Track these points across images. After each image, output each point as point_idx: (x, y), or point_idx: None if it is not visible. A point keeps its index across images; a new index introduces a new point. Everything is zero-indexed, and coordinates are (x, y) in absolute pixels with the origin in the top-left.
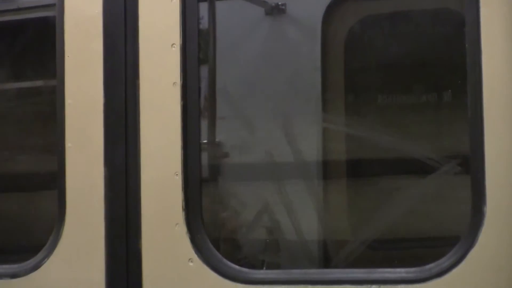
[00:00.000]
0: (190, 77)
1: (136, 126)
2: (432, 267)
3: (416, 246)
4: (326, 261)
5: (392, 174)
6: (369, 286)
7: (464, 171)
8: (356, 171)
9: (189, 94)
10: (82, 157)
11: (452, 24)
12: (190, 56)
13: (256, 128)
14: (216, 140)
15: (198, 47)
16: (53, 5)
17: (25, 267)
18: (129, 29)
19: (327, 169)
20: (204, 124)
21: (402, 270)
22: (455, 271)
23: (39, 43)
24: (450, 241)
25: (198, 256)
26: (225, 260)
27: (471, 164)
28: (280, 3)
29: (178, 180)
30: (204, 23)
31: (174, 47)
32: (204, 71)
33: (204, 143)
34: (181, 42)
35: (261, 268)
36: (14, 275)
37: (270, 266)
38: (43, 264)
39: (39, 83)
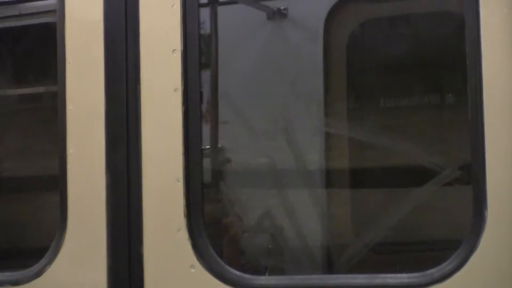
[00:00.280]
0: (191, 82)
1: (138, 131)
2: (434, 271)
3: (419, 250)
4: (329, 266)
5: (392, 177)
6: None
7: (465, 175)
8: (358, 174)
9: (190, 100)
10: (84, 162)
11: (454, 26)
12: (191, 61)
13: (258, 132)
14: (218, 145)
15: (199, 52)
16: (54, 10)
17: (27, 274)
18: (130, 35)
19: (329, 174)
20: (206, 130)
21: (404, 275)
22: (457, 275)
23: (40, 48)
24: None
25: (200, 262)
26: (227, 266)
27: (472, 168)
28: (281, 7)
29: (180, 186)
30: (206, 28)
31: (175, 52)
32: (206, 76)
33: (206, 148)
34: (182, 48)
35: (264, 274)
36: (16, 283)
37: (273, 272)
38: (45, 270)
39: (40, 89)
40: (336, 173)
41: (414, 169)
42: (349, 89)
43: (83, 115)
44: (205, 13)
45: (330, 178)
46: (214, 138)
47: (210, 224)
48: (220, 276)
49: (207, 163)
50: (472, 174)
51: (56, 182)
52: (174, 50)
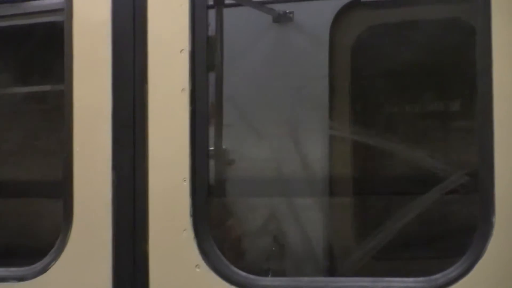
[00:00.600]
0: (198, 83)
1: (144, 131)
2: (439, 277)
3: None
4: (333, 270)
5: (397, 183)
6: None
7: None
8: (362, 179)
9: (198, 100)
10: (90, 161)
11: (461, 33)
12: (199, 62)
13: (264, 135)
14: (224, 147)
15: (207, 53)
16: (62, 9)
17: (33, 270)
18: (138, 34)
19: (334, 177)
20: (213, 131)
21: (409, 279)
22: (462, 281)
23: (48, 47)
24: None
25: (205, 262)
26: (232, 267)
27: (480, 174)
28: (288, 11)
29: (186, 186)
30: (213, 30)
31: (182, 52)
32: (210, 77)
33: (213, 149)
34: (190, 48)
35: (267, 275)
36: (21, 278)
37: (276, 273)
38: (50, 267)
39: (46, 87)
40: (340, 177)
41: (420, 175)
42: (354, 93)
43: (89, 114)
44: (212, 15)
45: (334, 182)
46: (220, 139)
47: (215, 225)
48: (225, 276)
49: (213, 164)
50: (480, 180)
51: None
52: (182, 50)
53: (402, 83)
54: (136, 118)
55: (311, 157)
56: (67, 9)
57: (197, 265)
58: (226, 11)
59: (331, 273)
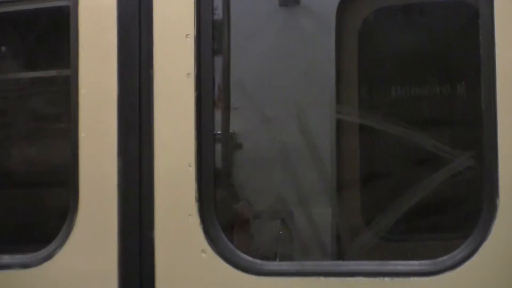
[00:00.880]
0: (204, 67)
1: (150, 116)
2: (445, 259)
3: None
4: (340, 253)
5: (404, 165)
6: (381, 278)
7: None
8: (367, 162)
9: (203, 85)
10: (96, 147)
11: (467, 16)
12: (204, 46)
13: (270, 119)
14: (231, 130)
15: (212, 38)
16: None
17: (38, 257)
18: (143, 20)
19: (340, 161)
20: (218, 115)
21: (415, 262)
22: (468, 263)
23: (53, 33)
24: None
25: (211, 247)
26: (238, 252)
27: (484, 156)
28: None
29: (191, 171)
30: (219, 14)
31: (188, 37)
32: (218, 62)
33: (218, 133)
34: (195, 33)
35: (274, 259)
36: (26, 265)
37: (284, 257)
38: (55, 254)
39: (52, 73)
40: (347, 160)
41: (427, 157)
42: (361, 76)
43: (95, 99)
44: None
45: (341, 166)
46: (226, 124)
47: (221, 209)
48: (231, 261)
49: (219, 148)
50: (484, 162)
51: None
52: (187, 35)
53: (410, 65)
54: (142, 104)
55: (318, 140)
56: None
57: (203, 250)
58: None
59: (340, 255)
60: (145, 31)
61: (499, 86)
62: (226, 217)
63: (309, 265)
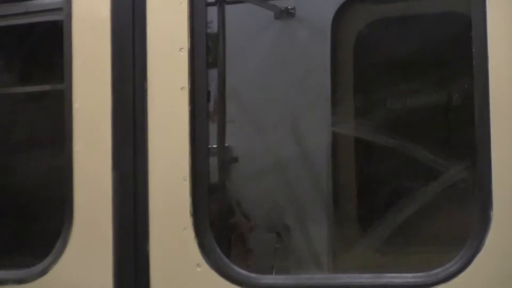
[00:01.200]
0: (198, 81)
1: (144, 130)
2: (439, 271)
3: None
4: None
5: (398, 176)
6: None
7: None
8: (363, 172)
9: (197, 99)
10: (90, 160)
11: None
12: (198, 60)
13: (265, 131)
14: (226, 144)
15: (206, 51)
16: (61, 8)
17: (33, 272)
18: (137, 33)
19: (335, 172)
20: (214, 128)
21: (409, 275)
22: (462, 275)
23: (47, 46)
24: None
25: (206, 261)
26: (233, 265)
27: (478, 168)
28: (289, 7)
29: (186, 185)
30: (213, 27)
31: (182, 51)
32: (213, 75)
33: (213, 147)
34: (189, 46)
35: (270, 273)
36: (21, 281)
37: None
38: (51, 269)
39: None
40: (342, 171)
41: (420, 169)
42: (356, 88)
43: (90, 113)
44: (212, 12)
45: (337, 177)
46: (221, 137)
47: (216, 223)
48: (226, 275)
49: (214, 161)
50: (478, 174)
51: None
52: (181, 48)
53: (404, 77)
54: (136, 117)
55: (314, 152)
56: (67, 8)
57: (198, 264)
58: (227, 8)
59: (335, 268)
60: (139, 45)
61: (493, 97)
62: (221, 231)
63: (304, 278)
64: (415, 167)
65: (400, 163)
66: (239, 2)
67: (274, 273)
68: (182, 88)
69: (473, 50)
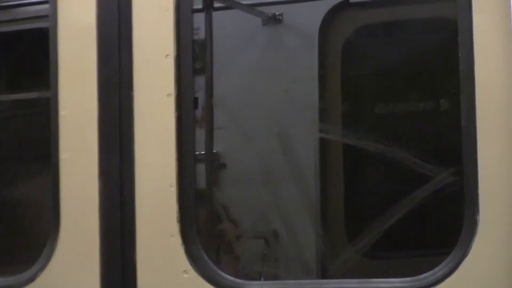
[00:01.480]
0: (184, 87)
1: (131, 137)
2: (426, 276)
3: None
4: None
5: (386, 182)
6: None
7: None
8: (351, 178)
9: (184, 105)
10: (77, 168)
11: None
12: (185, 66)
13: (253, 137)
14: (214, 151)
15: (192, 58)
16: (47, 16)
17: (20, 279)
18: (123, 40)
19: (323, 178)
20: (201, 135)
21: (397, 280)
22: (449, 280)
23: (34, 53)
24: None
25: (193, 267)
26: (220, 272)
27: (464, 173)
28: (277, 13)
29: (173, 192)
30: (200, 34)
31: (168, 57)
32: (200, 81)
33: (201, 154)
34: (175, 53)
35: (258, 279)
36: None
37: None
38: (38, 276)
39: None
40: (330, 176)
41: (408, 174)
42: (343, 94)
43: (76, 120)
44: (199, 19)
45: (324, 183)
46: (209, 144)
47: (203, 230)
48: (213, 281)
49: (202, 168)
50: (465, 179)
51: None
52: (167, 55)
53: (391, 83)
54: (123, 124)
55: (302, 158)
56: (52, 15)
57: (185, 271)
58: (215, 15)
59: (324, 274)
60: (125, 52)
61: (479, 103)
62: (209, 238)
63: (292, 284)
64: (403, 172)
65: (387, 169)
66: (227, 9)
67: (262, 279)
68: (168, 95)
69: (459, 55)
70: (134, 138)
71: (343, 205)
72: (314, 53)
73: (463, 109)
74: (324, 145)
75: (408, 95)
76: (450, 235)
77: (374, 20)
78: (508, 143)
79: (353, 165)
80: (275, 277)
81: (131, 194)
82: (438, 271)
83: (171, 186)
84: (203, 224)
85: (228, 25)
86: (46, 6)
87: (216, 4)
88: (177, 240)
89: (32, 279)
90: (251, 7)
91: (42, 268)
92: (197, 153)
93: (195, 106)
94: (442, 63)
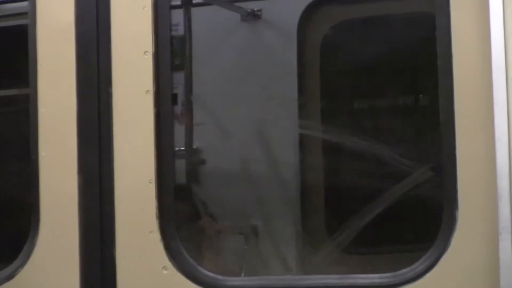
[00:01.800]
0: (163, 84)
1: (110, 134)
2: (405, 272)
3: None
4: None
5: (365, 177)
6: None
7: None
8: (332, 176)
9: (162, 102)
10: (56, 165)
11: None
12: (163, 63)
13: (232, 133)
14: (193, 147)
15: (171, 54)
16: (26, 13)
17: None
18: (102, 37)
19: (303, 175)
20: (181, 131)
21: (376, 275)
22: (428, 276)
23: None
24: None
25: (172, 263)
26: (199, 268)
27: (443, 169)
28: (256, 9)
29: (152, 188)
30: (178, 30)
31: (146, 54)
32: (179, 78)
33: (179, 150)
34: (153, 50)
35: (239, 274)
36: None
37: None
38: (17, 273)
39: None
40: (310, 174)
41: (387, 170)
42: (323, 90)
43: (55, 117)
44: (178, 15)
45: (304, 179)
46: (188, 140)
47: (183, 226)
48: (192, 277)
49: (182, 164)
50: (443, 175)
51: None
52: (146, 52)
53: (371, 79)
54: (101, 121)
55: (281, 155)
56: (31, 13)
57: (164, 267)
58: (192, 11)
59: (304, 269)
60: (103, 49)
61: (457, 98)
62: (188, 233)
63: (271, 279)
64: (383, 168)
65: (367, 164)
66: (205, 5)
67: (242, 275)
68: (147, 92)
69: (437, 51)
70: (113, 134)
71: (323, 201)
72: (293, 49)
73: (441, 104)
74: (303, 141)
75: (387, 91)
76: (429, 230)
77: (353, 16)
78: (487, 139)
79: (333, 161)
80: (255, 273)
81: (110, 191)
82: (417, 266)
83: (150, 182)
84: (182, 220)
85: (206, 20)
86: (24, 3)
87: (195, 0)
88: (156, 236)
89: (11, 276)
90: (229, 3)
91: (21, 265)
92: (176, 149)
93: (174, 102)
94: (422, 59)
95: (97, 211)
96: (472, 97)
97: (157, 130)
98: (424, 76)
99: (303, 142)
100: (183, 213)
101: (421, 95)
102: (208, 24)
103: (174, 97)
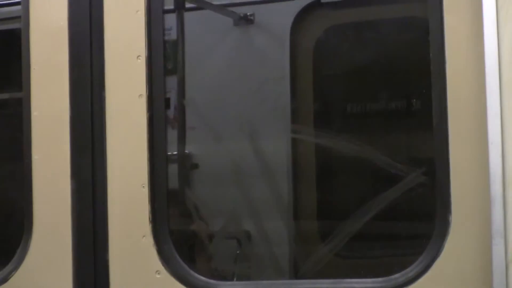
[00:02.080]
0: (156, 88)
1: (103, 138)
2: (398, 277)
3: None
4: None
5: (358, 181)
6: None
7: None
8: (324, 178)
9: (155, 106)
10: (49, 169)
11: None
12: (156, 67)
13: (225, 138)
14: (185, 151)
15: (164, 58)
16: (19, 17)
17: None
18: (95, 41)
19: (295, 178)
20: (174, 135)
21: (369, 280)
22: (421, 280)
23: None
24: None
25: (165, 268)
26: (192, 272)
27: (436, 173)
28: (248, 13)
29: (145, 192)
30: (171, 34)
31: (139, 58)
32: (172, 82)
33: (173, 154)
34: (146, 54)
35: (232, 279)
36: None
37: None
38: (10, 277)
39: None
40: (303, 177)
41: (380, 174)
42: (315, 94)
43: (48, 121)
44: (171, 19)
45: (297, 183)
46: (181, 144)
47: (176, 230)
48: (185, 281)
49: (174, 168)
50: (436, 179)
51: None
52: (139, 56)
53: (364, 83)
54: (94, 125)
55: (274, 159)
56: (24, 17)
57: (157, 271)
58: (186, 15)
59: (297, 273)
60: (96, 53)
61: (450, 102)
62: (181, 238)
63: (264, 284)
64: (375, 172)
65: (360, 168)
66: (198, 9)
67: (235, 279)
68: (140, 96)
69: (430, 54)
70: (106, 138)
71: (316, 205)
72: (285, 53)
73: (434, 108)
74: (296, 145)
75: (379, 95)
76: (422, 235)
77: (346, 20)
78: (480, 142)
79: (325, 165)
80: (248, 277)
81: (103, 195)
82: (410, 271)
83: (143, 186)
84: (175, 224)
85: (199, 25)
86: (18, 7)
87: (188, 5)
88: (149, 240)
89: (5, 279)
90: (222, 8)
91: (15, 269)
92: (169, 153)
93: (167, 106)
94: (414, 62)
95: (90, 215)
96: (465, 101)
97: (150, 134)
98: (417, 80)
99: (295, 146)
100: (176, 217)
101: (414, 99)
102: (201, 29)
103: (167, 101)
